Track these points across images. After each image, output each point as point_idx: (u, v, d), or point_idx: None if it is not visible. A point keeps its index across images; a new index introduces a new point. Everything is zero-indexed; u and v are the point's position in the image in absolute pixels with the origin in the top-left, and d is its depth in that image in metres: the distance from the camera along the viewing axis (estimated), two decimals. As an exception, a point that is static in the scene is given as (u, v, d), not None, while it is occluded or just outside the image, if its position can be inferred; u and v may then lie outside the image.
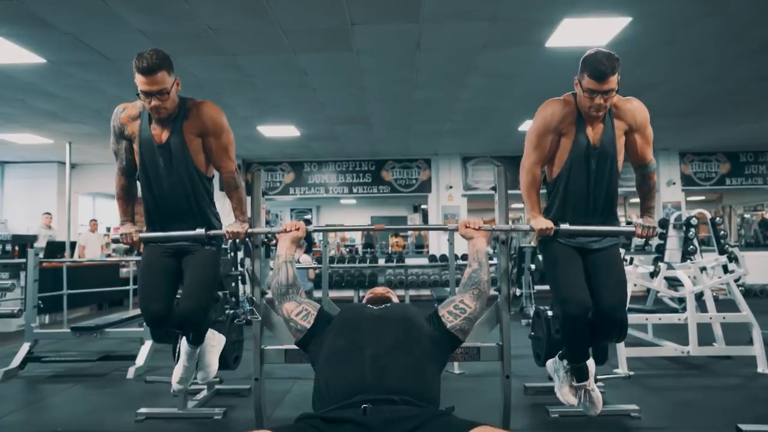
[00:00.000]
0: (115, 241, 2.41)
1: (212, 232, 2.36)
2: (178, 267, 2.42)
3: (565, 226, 2.27)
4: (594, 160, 2.26)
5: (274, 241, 8.13)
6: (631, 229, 2.37)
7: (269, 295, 1.91)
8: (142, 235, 2.38)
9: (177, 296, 2.51)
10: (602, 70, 2.08)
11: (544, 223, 2.30)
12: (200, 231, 2.33)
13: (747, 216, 13.00)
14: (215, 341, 2.74)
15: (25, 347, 4.22)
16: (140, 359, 4.12)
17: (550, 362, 2.71)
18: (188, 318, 2.39)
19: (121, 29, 4.01)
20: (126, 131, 2.34)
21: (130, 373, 3.98)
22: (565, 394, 2.51)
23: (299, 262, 6.77)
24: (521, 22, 4.08)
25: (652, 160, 2.39)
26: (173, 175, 2.31)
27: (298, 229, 2.10)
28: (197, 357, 2.65)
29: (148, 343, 4.22)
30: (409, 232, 15.92)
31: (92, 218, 9.74)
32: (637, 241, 9.10)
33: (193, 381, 3.11)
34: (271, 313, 2.37)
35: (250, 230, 2.40)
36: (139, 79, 2.14)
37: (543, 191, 2.44)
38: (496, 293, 2.46)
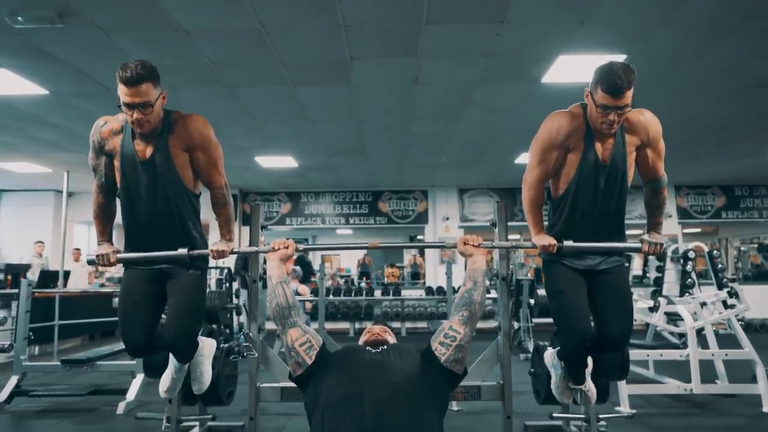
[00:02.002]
0: (91, 262, 2.26)
1: (195, 251, 2.22)
2: (161, 292, 2.27)
3: (568, 244, 2.15)
4: (603, 177, 2.12)
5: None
6: (637, 245, 2.23)
7: (268, 326, 1.83)
8: (120, 255, 2.24)
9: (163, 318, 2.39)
10: (618, 84, 1.94)
11: (547, 240, 2.19)
12: (182, 251, 2.18)
13: (744, 249, 13.01)
14: (206, 350, 2.57)
15: (13, 380, 4.12)
16: (131, 393, 4.02)
17: (548, 355, 2.60)
18: (173, 346, 2.28)
19: (123, 61, 4.04)
20: (106, 146, 2.19)
21: (120, 408, 3.88)
22: (561, 392, 2.45)
23: (298, 293, 6.72)
24: (518, 58, 4.15)
25: (664, 174, 2.26)
26: (158, 194, 2.17)
27: (287, 247, 2.02)
28: (187, 369, 2.51)
29: (140, 377, 4.12)
30: (405, 262, 15.85)
31: (75, 247, 9.34)
32: (635, 271, 9.06)
33: (185, 418, 3.02)
34: (268, 349, 2.32)
35: (236, 249, 2.30)
36: (122, 90, 2.01)
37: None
38: (497, 329, 2.42)
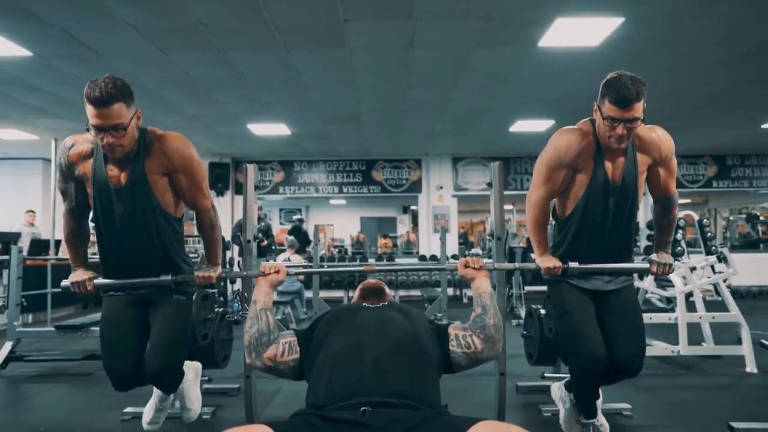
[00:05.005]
0: (66, 289, 2.06)
1: (180, 277, 2.05)
2: (144, 318, 2.10)
3: (574, 265, 2.06)
4: (613, 198, 2.02)
5: (265, 242, 7.95)
6: (645, 266, 2.15)
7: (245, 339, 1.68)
8: (98, 282, 2.05)
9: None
10: (626, 95, 1.83)
11: (552, 262, 2.09)
12: (165, 277, 2.01)
13: (732, 218, 13.15)
14: (191, 375, 2.43)
15: (8, 346, 4.13)
16: (127, 358, 4.05)
17: (555, 388, 2.54)
18: (157, 378, 2.10)
19: (111, 23, 3.94)
20: (76, 171, 1.96)
21: (116, 372, 3.90)
22: (570, 428, 2.35)
23: (289, 260, 6.74)
24: (515, 21, 4.08)
25: (676, 193, 2.15)
26: (136, 222, 1.97)
27: (278, 272, 1.86)
28: (172, 398, 2.37)
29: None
30: (399, 234, 15.92)
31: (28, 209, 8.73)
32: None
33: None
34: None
35: (223, 275, 2.15)
36: (90, 112, 1.79)
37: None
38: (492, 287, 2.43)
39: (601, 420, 2.27)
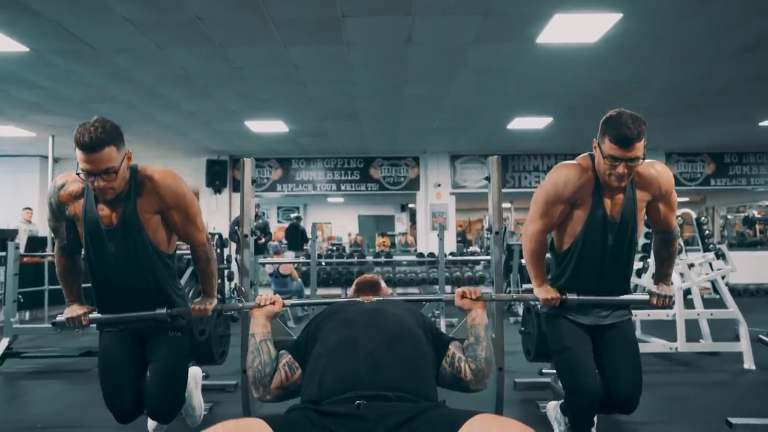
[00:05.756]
0: (60, 325, 2.06)
1: (176, 310, 2.05)
2: (141, 352, 2.12)
3: (572, 296, 2.06)
4: (612, 235, 2.01)
5: (262, 240, 7.95)
6: (645, 298, 2.14)
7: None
8: (92, 316, 2.05)
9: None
10: (627, 134, 1.81)
11: (550, 293, 2.08)
12: (161, 311, 2.00)
13: (730, 217, 13.18)
14: (192, 383, 2.43)
15: (4, 342, 4.12)
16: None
17: (551, 407, 2.53)
18: (157, 414, 2.14)
19: (108, 17, 3.92)
20: (67, 212, 1.96)
21: (113, 369, 3.89)
22: None
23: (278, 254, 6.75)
24: (513, 16, 4.06)
25: (676, 227, 2.16)
26: (129, 261, 1.97)
27: (273, 303, 1.84)
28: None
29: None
30: (397, 232, 15.91)
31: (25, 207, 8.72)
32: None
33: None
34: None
35: (219, 307, 2.17)
36: (80, 156, 1.77)
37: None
38: (488, 290, 2.43)
39: None
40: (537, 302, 3.17)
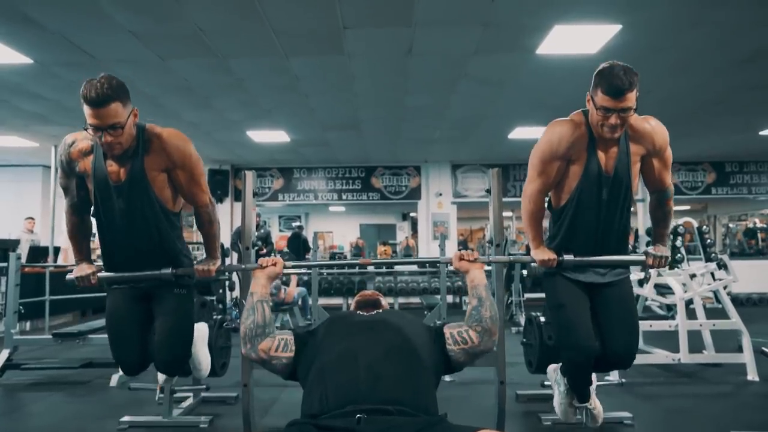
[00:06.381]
0: (70, 283, 2.13)
1: (180, 270, 2.11)
2: (147, 311, 2.20)
3: (569, 257, 2.07)
4: (606, 189, 2.03)
5: (264, 250, 8.01)
6: (641, 258, 2.15)
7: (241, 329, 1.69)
8: (101, 275, 2.12)
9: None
10: (619, 85, 1.86)
11: (547, 254, 2.10)
12: (166, 271, 2.08)
13: (732, 225, 13.16)
14: (199, 338, 2.52)
15: (5, 354, 4.10)
16: (124, 366, 4.03)
17: (551, 370, 2.55)
18: (166, 369, 2.26)
19: (111, 29, 3.95)
20: (77, 168, 2.03)
21: (113, 380, 3.88)
22: (565, 411, 2.37)
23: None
24: (513, 27, 4.09)
25: (671, 185, 2.16)
26: (135, 217, 2.03)
27: (275, 264, 1.88)
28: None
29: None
30: (398, 241, 15.90)
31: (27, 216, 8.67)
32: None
33: (179, 388, 3.03)
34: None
35: (222, 267, 2.21)
36: (87, 111, 1.83)
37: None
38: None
39: (594, 403, 2.31)
40: (539, 315, 3.18)
